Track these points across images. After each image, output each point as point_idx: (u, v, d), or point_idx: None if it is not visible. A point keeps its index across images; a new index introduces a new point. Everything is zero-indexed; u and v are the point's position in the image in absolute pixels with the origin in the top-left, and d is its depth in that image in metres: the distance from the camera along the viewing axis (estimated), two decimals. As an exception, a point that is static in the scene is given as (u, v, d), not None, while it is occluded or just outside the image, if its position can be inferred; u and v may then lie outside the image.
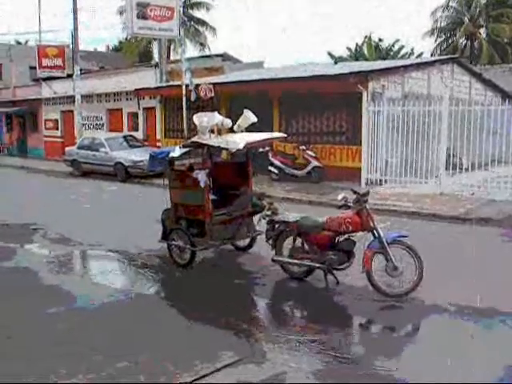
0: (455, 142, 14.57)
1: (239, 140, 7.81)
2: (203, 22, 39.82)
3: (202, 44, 39.92)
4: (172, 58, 35.30)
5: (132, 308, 6.82)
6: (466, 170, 14.56)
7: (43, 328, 6.10)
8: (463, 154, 14.92)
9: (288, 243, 7.59)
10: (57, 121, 30.09)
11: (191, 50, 39.25)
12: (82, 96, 24.33)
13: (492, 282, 7.30)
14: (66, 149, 23.78)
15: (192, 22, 39.31)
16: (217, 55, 27.91)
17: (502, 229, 10.52)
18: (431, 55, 39.18)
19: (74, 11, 23.58)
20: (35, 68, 28.76)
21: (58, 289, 7.50)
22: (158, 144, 22.80)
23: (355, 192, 7.04)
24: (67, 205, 14.57)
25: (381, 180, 15.50)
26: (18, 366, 5.11)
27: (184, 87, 18.87)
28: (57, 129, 30.11)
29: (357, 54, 40.15)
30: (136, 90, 23.14)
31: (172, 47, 37.50)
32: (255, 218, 8.62)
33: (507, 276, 7.56)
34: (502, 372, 4.85)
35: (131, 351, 5.36)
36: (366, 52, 39.83)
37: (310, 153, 16.70)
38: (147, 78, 23.68)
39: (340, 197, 7.05)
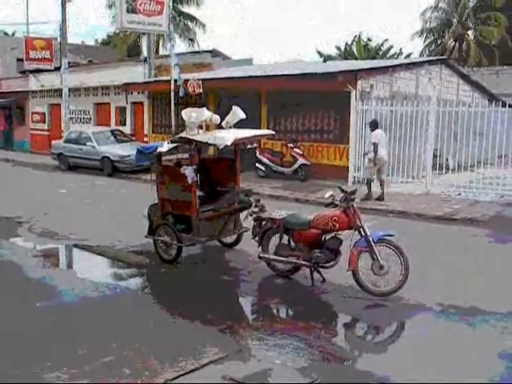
0: (442, 143, 14.68)
1: (227, 136, 7.80)
2: (193, 18, 39.65)
3: (191, 40, 39.74)
4: (161, 52, 35.13)
5: (117, 303, 6.79)
6: (453, 170, 14.67)
7: (28, 322, 6.06)
8: (450, 154, 15.04)
9: (275, 240, 7.58)
10: (44, 114, 29.82)
11: (180, 46, 39.10)
12: (69, 89, 24.15)
13: (476, 282, 7.36)
14: (53, 142, 23.59)
15: (182, 18, 39.11)
16: (206, 51, 27.83)
17: (487, 229, 10.60)
18: (420, 56, 39.41)
19: (63, 3, 23.38)
20: (22, 60, 28.48)
21: (43, 283, 7.44)
22: (146, 139, 22.71)
23: (342, 190, 7.05)
24: (53, 199, 14.46)
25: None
26: (4, 359, 5.07)
27: (172, 82, 18.79)
28: (44, 122, 29.85)
29: (346, 53, 40.24)
30: (124, 84, 23.03)
31: (161, 42, 37.31)
32: (242, 215, 8.62)
33: (491, 276, 7.63)
34: (486, 370, 4.89)
35: (116, 346, 5.34)
36: (355, 51, 39.93)
37: (297, 150, 16.71)
38: (136, 73, 23.55)
39: (327, 195, 7.06)
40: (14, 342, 5.50)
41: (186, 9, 39.32)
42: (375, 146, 12.95)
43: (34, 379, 4.70)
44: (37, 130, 30.27)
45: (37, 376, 4.75)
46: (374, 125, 13.37)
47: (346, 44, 41.21)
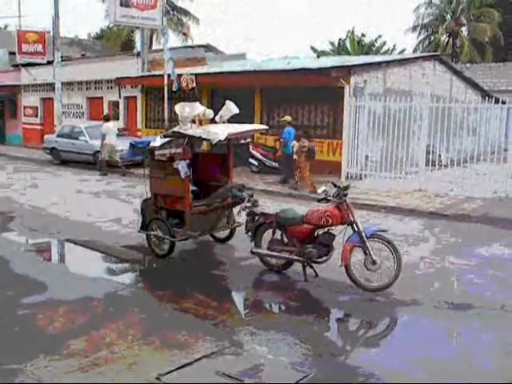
0: (435, 139, 14.71)
1: (220, 131, 7.78)
2: (187, 12, 39.53)
3: (184, 34, 39.63)
4: (154, 47, 35.03)
5: (109, 298, 6.76)
6: (445, 166, 14.70)
7: (19, 318, 6.03)
8: (442, 150, 15.07)
9: (267, 236, 7.58)
10: (36, 108, 29.69)
11: (174, 40, 39.02)
12: (62, 83, 24.02)
13: (468, 278, 7.39)
14: (45, 136, 23.47)
15: (175, 12, 38.96)
16: (199, 46, 27.75)
17: (479, 225, 10.64)
18: (413, 52, 39.45)
19: (56, -3, 23.21)
20: (15, 53, 28.28)
21: (35, 279, 7.39)
22: (139, 133, 22.65)
23: (335, 185, 7.06)
24: (45, 193, 14.40)
25: (361, 174, 15.59)
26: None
27: (166, 77, 18.73)
28: (36, 116, 29.72)
29: (339, 49, 40.23)
30: (117, 78, 22.94)
31: (154, 36, 37.19)
32: (235, 210, 8.61)
33: (483, 272, 7.66)
34: (477, 365, 4.91)
35: (108, 340, 5.33)
36: (348, 47, 39.92)
37: (291, 146, 16.68)
38: (129, 67, 23.48)
39: (320, 190, 7.07)
40: (4, 338, 5.48)
41: (179, 3, 39.21)
42: (103, 135, 18.25)
43: (26, 375, 4.69)
44: (29, 124, 30.12)
45: (28, 372, 4.73)
46: (107, 118, 19.37)
47: (340, 40, 41.19)
